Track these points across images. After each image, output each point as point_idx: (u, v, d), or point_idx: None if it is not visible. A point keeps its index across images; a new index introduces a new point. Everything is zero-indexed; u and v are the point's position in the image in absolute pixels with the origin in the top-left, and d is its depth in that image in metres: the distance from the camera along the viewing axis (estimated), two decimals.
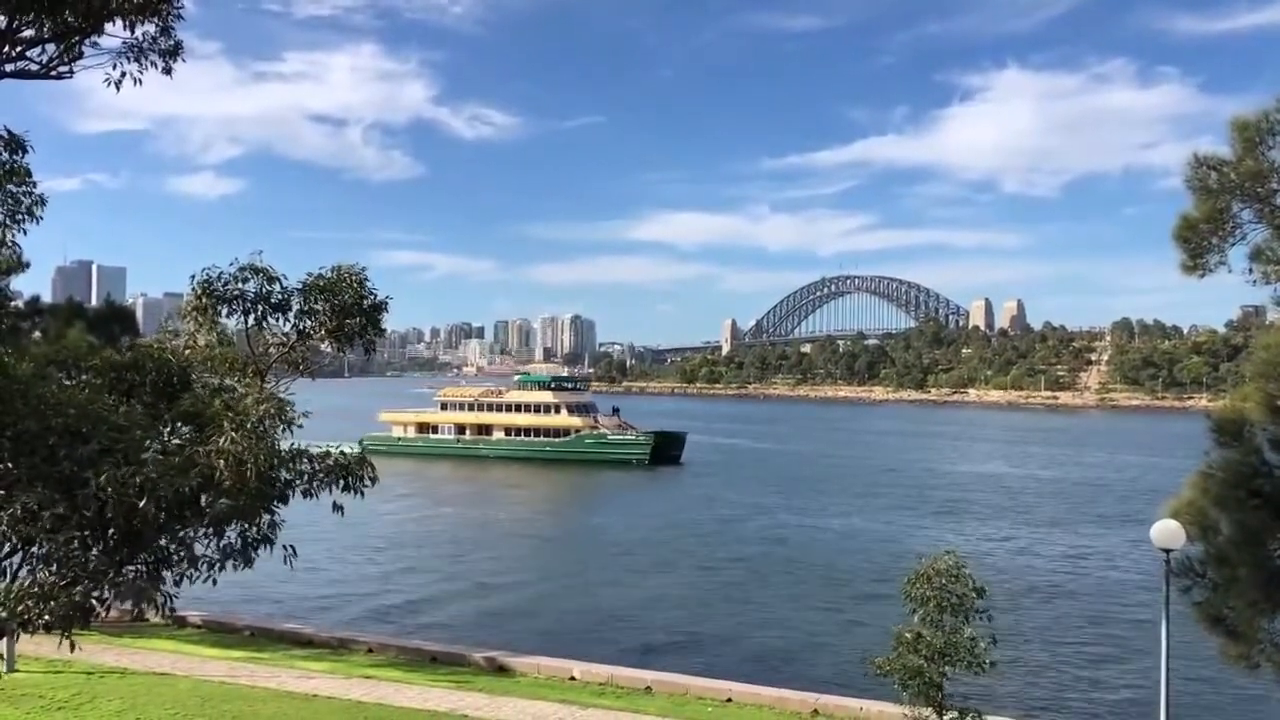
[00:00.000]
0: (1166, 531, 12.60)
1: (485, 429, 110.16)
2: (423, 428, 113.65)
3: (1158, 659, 15.65)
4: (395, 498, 69.13)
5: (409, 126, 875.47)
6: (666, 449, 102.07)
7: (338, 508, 10.90)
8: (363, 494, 11.11)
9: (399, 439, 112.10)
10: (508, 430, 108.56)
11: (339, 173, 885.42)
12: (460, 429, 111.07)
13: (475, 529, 62.41)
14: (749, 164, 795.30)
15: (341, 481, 10.83)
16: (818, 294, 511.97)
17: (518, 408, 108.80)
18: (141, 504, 8.94)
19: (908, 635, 16.47)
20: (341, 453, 11.08)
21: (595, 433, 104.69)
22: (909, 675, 16.16)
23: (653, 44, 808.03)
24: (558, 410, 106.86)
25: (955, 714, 16.33)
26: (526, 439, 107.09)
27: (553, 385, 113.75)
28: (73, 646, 9.27)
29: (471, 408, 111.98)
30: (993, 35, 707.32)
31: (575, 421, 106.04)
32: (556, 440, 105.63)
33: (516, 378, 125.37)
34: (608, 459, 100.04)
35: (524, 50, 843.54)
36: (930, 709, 16.30)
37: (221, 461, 9.22)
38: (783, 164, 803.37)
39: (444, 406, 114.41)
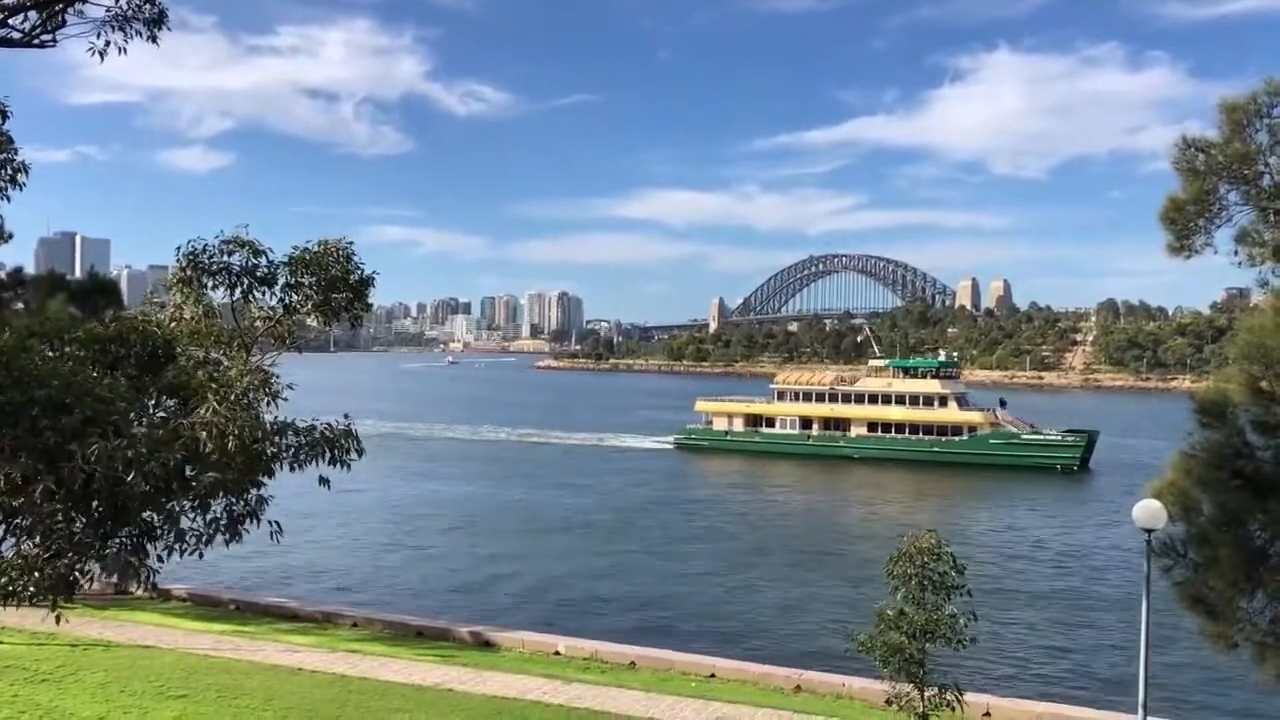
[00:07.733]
0: (1148, 511, 12.69)
1: (840, 423, 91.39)
2: (753, 420, 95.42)
3: (1137, 637, 15.81)
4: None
5: (401, 102, 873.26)
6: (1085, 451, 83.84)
7: (324, 481, 10.85)
8: (349, 467, 10.97)
9: (726, 434, 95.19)
10: (872, 426, 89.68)
11: (330, 148, 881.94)
12: (805, 422, 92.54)
13: None
14: (741, 143, 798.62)
15: (328, 453, 10.76)
16: (805, 273, 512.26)
17: (888, 399, 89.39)
18: (129, 478, 8.89)
19: (890, 613, 16.67)
20: (329, 425, 10.99)
21: (1001, 431, 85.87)
22: (889, 652, 16.37)
23: (649, 24, 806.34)
24: (943, 403, 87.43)
25: (935, 690, 16.52)
26: (903, 437, 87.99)
27: (940, 373, 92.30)
28: (58, 619, 9.24)
29: (820, 398, 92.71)
30: (985, 18, 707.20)
31: (974, 417, 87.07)
32: (944, 440, 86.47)
33: (884, 362, 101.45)
34: (1024, 464, 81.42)
35: (519, 28, 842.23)
36: (911, 684, 16.49)
37: (204, 433, 9.18)
38: (773, 143, 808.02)
39: (781, 395, 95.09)
